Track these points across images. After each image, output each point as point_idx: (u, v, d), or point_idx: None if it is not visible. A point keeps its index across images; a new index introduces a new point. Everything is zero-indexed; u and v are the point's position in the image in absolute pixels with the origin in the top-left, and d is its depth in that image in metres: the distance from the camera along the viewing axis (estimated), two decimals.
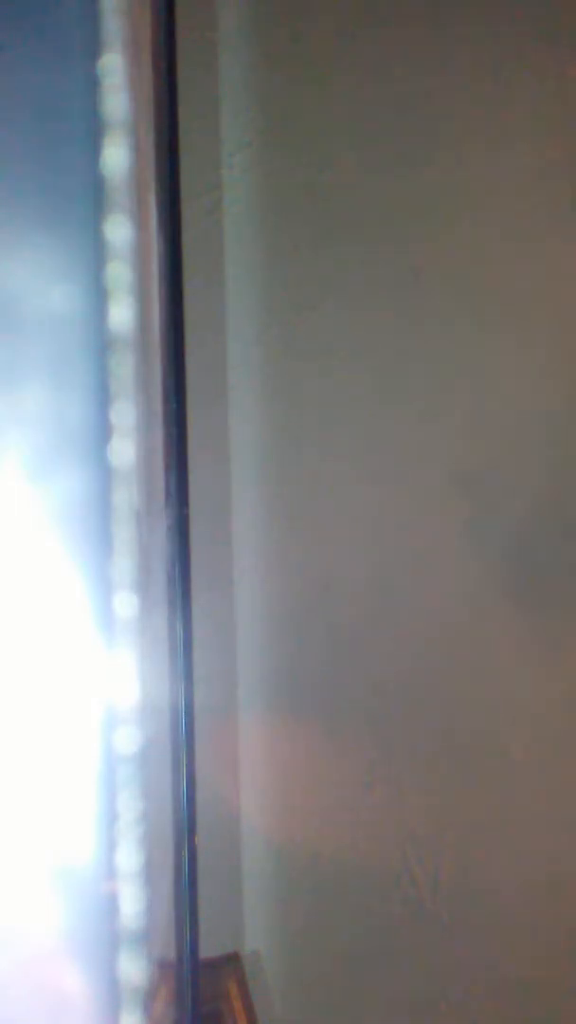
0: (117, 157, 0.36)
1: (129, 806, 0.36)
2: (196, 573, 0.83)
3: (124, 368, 0.36)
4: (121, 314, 0.36)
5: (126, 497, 0.36)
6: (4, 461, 0.36)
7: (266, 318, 1.07)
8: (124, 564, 0.36)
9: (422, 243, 1.09)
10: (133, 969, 0.36)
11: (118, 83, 0.36)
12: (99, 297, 0.36)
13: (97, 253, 0.36)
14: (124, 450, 0.36)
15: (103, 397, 0.36)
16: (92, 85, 0.36)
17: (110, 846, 0.36)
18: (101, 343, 0.36)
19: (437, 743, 1.08)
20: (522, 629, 1.10)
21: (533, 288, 1.11)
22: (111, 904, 0.36)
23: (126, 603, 0.36)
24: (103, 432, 0.36)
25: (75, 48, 0.36)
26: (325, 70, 1.08)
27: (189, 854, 0.75)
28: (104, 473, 0.36)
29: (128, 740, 0.36)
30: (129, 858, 0.36)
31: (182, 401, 0.80)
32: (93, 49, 0.36)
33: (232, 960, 1.01)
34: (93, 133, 0.36)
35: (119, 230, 0.36)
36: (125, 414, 0.36)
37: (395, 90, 1.09)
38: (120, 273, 0.36)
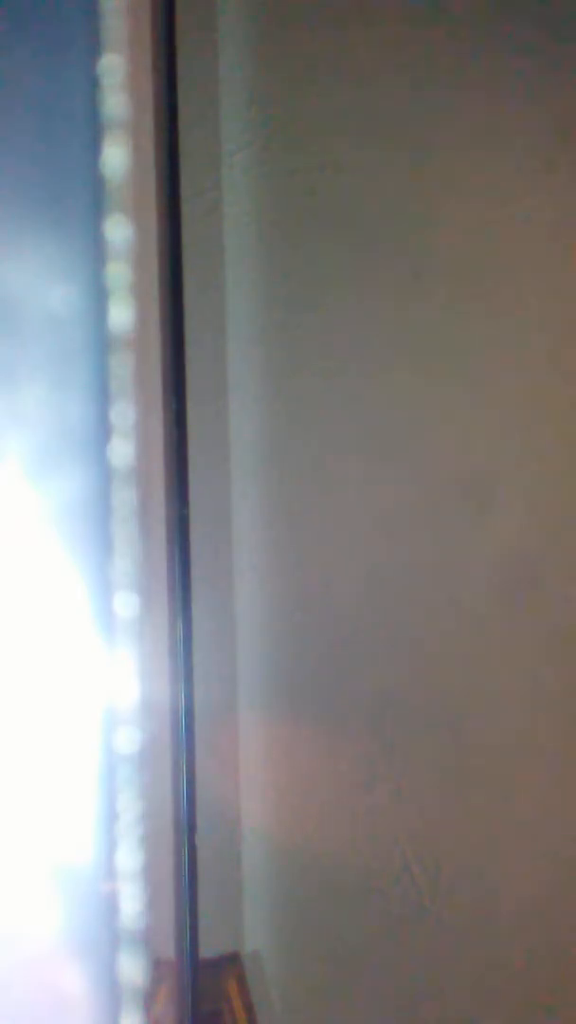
0: (117, 157, 0.36)
1: (129, 806, 0.36)
2: (196, 573, 0.83)
3: (124, 368, 0.36)
4: (121, 314, 0.36)
5: (126, 497, 0.36)
6: (4, 461, 0.36)
7: (266, 318, 1.07)
8: (124, 564, 0.36)
9: (422, 243, 1.09)
10: (133, 969, 0.36)
11: (118, 83, 0.36)
12: (99, 297, 0.36)
13: (97, 253, 0.36)
14: (124, 450, 0.36)
15: (103, 397, 0.36)
16: (92, 85, 0.36)
17: (110, 846, 0.36)
18: (101, 343, 0.36)
19: (436, 743, 1.08)
20: (523, 629, 1.10)
21: (534, 287, 1.11)
22: (111, 904, 0.36)
23: (126, 603, 0.36)
24: (103, 432, 0.36)
25: (75, 48, 0.36)
26: (325, 70, 1.08)
27: (189, 854, 0.75)
28: (104, 473, 0.36)
29: (128, 740, 0.36)
30: (129, 858, 0.36)
31: (182, 401, 0.80)
32: (93, 49, 0.36)
33: (232, 960, 1.01)
34: (93, 133, 0.36)
35: (119, 230, 0.36)
36: (125, 414, 0.36)
37: (395, 90, 1.09)
38: (120, 273, 0.36)
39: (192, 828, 0.75)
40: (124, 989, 0.35)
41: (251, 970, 1.03)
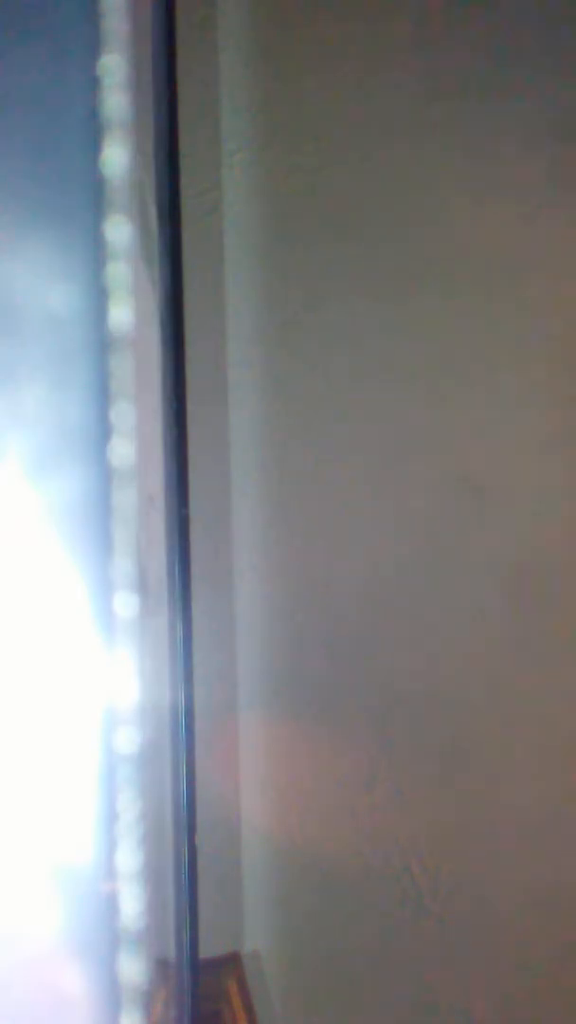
0: (117, 157, 0.36)
1: (129, 806, 0.36)
2: (196, 573, 0.83)
3: (124, 368, 0.36)
4: (121, 314, 0.36)
5: (126, 497, 0.36)
6: (4, 461, 0.36)
7: (266, 318, 1.07)
8: (124, 564, 0.36)
9: (422, 243, 1.09)
10: (133, 969, 0.36)
11: (118, 83, 0.36)
12: (99, 297, 0.36)
13: (97, 253, 0.36)
14: (124, 450, 0.36)
15: (103, 397, 0.36)
16: (92, 85, 0.36)
17: (110, 846, 0.36)
18: (101, 343, 0.36)
19: (437, 743, 1.08)
20: (524, 630, 1.10)
21: (535, 287, 1.11)
22: (111, 904, 0.36)
23: (126, 603, 0.36)
24: (103, 432, 0.36)
25: (75, 48, 0.36)
26: (325, 69, 1.08)
27: (189, 854, 0.75)
28: (104, 473, 0.36)
29: (128, 740, 0.36)
30: (129, 858, 0.36)
31: (182, 401, 0.80)
32: (93, 49, 0.36)
33: (232, 960, 1.01)
34: (93, 133, 0.36)
35: (119, 230, 0.36)
36: (125, 414, 0.36)
37: (396, 89, 1.09)
38: (120, 273, 0.36)
39: (192, 828, 0.75)
40: (124, 989, 0.35)
41: (251, 970, 1.03)
